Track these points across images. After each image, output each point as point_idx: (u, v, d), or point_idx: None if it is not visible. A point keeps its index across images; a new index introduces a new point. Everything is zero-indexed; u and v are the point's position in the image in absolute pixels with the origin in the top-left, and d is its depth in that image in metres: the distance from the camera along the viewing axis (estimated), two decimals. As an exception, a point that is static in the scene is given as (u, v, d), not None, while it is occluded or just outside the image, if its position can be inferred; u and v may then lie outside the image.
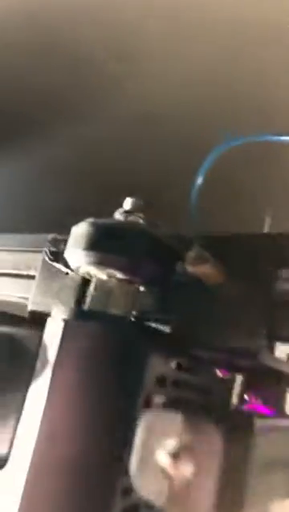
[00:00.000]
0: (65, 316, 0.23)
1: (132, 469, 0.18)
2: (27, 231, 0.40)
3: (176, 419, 0.17)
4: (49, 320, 0.23)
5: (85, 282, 0.31)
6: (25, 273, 0.36)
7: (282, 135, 0.52)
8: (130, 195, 0.28)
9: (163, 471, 0.17)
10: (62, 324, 0.22)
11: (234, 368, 0.27)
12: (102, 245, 0.24)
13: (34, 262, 0.36)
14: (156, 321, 0.27)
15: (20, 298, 0.37)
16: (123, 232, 0.24)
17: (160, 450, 0.17)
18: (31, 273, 0.36)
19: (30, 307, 0.33)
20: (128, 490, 0.23)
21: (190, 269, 0.23)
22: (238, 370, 0.27)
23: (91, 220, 0.25)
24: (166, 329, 0.27)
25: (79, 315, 0.23)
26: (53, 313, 0.24)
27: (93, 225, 0.24)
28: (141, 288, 0.26)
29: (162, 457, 0.16)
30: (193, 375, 0.28)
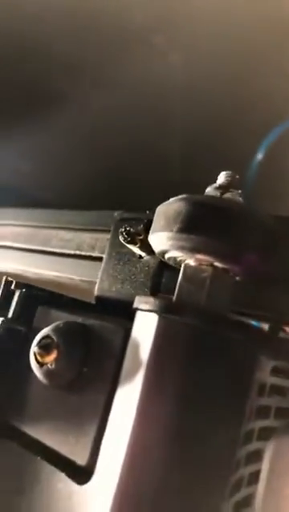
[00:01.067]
0: (156, 309, 0.19)
1: (256, 507, 0.14)
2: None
3: None
4: (139, 314, 0.20)
5: (162, 267, 0.27)
6: (88, 254, 0.33)
7: None
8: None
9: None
10: (155, 319, 0.19)
11: None
12: (203, 227, 0.20)
13: (97, 242, 0.33)
14: (253, 318, 0.23)
15: (82, 281, 0.34)
16: (227, 212, 0.20)
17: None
18: (95, 254, 0.33)
19: (96, 292, 0.30)
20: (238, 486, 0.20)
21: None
22: None
23: (185, 196, 0.21)
24: (266, 328, 0.23)
25: (173, 310, 0.19)
26: (137, 304, 0.21)
27: (190, 202, 0.20)
28: (237, 278, 0.23)
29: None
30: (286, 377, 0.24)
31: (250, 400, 0.19)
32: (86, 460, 0.19)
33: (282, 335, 0.24)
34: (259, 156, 0.67)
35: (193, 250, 0.20)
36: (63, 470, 0.19)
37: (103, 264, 0.30)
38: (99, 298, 0.29)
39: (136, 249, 0.27)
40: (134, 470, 0.18)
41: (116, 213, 0.31)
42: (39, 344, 0.21)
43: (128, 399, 0.18)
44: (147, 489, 0.18)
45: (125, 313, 0.22)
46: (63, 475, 0.19)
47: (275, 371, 0.23)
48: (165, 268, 0.27)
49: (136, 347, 0.19)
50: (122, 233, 0.26)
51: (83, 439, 0.19)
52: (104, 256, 0.30)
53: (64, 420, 0.20)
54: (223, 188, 0.23)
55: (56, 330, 0.21)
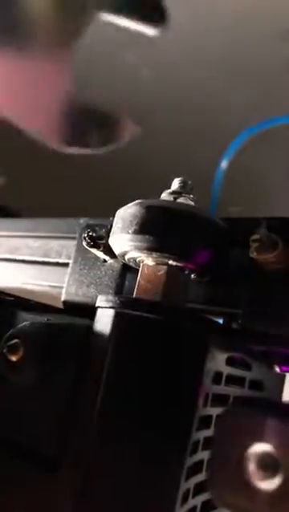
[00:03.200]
0: (113, 305, 0.21)
1: (209, 481, 0.16)
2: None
3: (266, 419, 0.15)
4: (99, 311, 0.21)
5: (125, 269, 0.29)
6: (55, 260, 0.34)
7: None
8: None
9: (247, 483, 0.15)
10: (112, 314, 0.20)
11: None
12: (156, 228, 0.21)
13: (64, 248, 0.34)
14: (209, 312, 0.25)
15: (50, 287, 0.35)
16: (178, 214, 0.22)
17: (246, 457, 0.15)
18: (62, 260, 0.34)
19: (63, 297, 0.31)
20: (187, 494, 0.21)
21: (253, 255, 0.21)
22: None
23: (141, 201, 0.23)
24: (220, 321, 0.25)
25: (130, 305, 0.21)
26: (99, 303, 0.22)
27: (144, 206, 0.22)
28: (192, 276, 0.24)
29: (247, 466, 0.14)
30: (247, 371, 0.26)
31: (203, 386, 0.21)
32: (53, 451, 0.20)
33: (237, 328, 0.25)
34: (224, 163, 0.70)
35: (148, 250, 0.22)
36: (32, 463, 0.20)
37: (69, 269, 0.31)
38: (66, 303, 0.30)
39: (99, 254, 0.28)
40: (98, 456, 0.19)
41: (81, 220, 0.32)
42: (6, 344, 0.22)
43: (90, 389, 0.20)
44: (110, 473, 0.19)
45: (90, 314, 0.23)
46: (32, 467, 0.20)
47: (232, 362, 0.25)
48: (128, 270, 0.28)
49: (96, 341, 0.20)
50: (85, 238, 0.27)
51: (51, 431, 0.21)
52: (71, 262, 0.32)
53: (33, 415, 0.21)
54: (176, 193, 0.24)
55: (22, 330, 0.22)
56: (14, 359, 0.21)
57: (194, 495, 0.22)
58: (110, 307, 0.21)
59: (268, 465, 0.15)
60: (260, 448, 0.15)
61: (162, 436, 0.19)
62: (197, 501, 0.22)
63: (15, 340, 0.22)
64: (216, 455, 0.15)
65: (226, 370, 0.24)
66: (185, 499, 0.20)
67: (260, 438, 0.15)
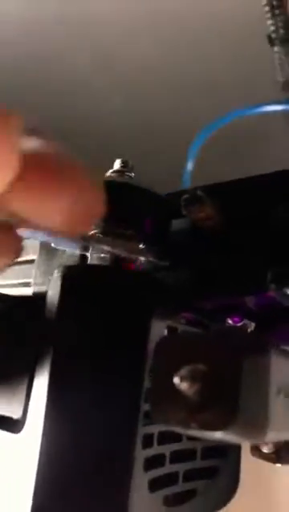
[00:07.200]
0: (63, 273, 0.23)
1: (151, 401, 0.17)
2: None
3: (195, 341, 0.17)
4: (52, 280, 0.23)
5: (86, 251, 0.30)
6: (23, 259, 0.36)
7: (269, 104, 0.52)
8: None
9: (183, 397, 0.16)
10: (59, 280, 0.22)
11: (245, 315, 0.26)
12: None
13: (31, 246, 0.36)
14: (158, 276, 0.26)
15: (21, 284, 0.36)
16: (115, 188, 0.24)
17: (180, 375, 0.16)
18: (29, 257, 0.36)
19: (33, 290, 0.32)
20: (150, 440, 0.22)
21: (185, 213, 0.23)
22: (250, 316, 0.26)
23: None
24: (170, 283, 0.26)
25: (79, 270, 0.23)
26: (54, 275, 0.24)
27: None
28: (140, 245, 0.26)
29: (182, 383, 0.16)
30: (203, 328, 0.27)
31: (151, 336, 0.22)
32: (20, 413, 0.22)
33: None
34: (189, 165, 0.73)
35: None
36: (1, 426, 0.22)
37: (35, 263, 0.33)
38: (35, 293, 0.32)
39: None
40: (54, 415, 0.20)
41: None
42: None
43: (45, 353, 0.21)
44: (67, 429, 0.20)
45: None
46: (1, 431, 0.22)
47: (189, 323, 0.26)
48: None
49: (50, 307, 0.22)
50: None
51: (18, 396, 0.22)
52: (36, 256, 0.33)
53: (1, 383, 0.23)
54: (118, 172, 0.27)
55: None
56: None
57: (160, 443, 0.23)
58: (60, 276, 0.22)
59: (198, 379, 0.16)
60: (191, 365, 0.16)
61: (114, 384, 0.21)
62: (166, 449, 0.23)
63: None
64: (155, 377, 0.17)
65: (181, 327, 0.25)
66: (147, 444, 0.22)
67: (191, 357, 0.17)
